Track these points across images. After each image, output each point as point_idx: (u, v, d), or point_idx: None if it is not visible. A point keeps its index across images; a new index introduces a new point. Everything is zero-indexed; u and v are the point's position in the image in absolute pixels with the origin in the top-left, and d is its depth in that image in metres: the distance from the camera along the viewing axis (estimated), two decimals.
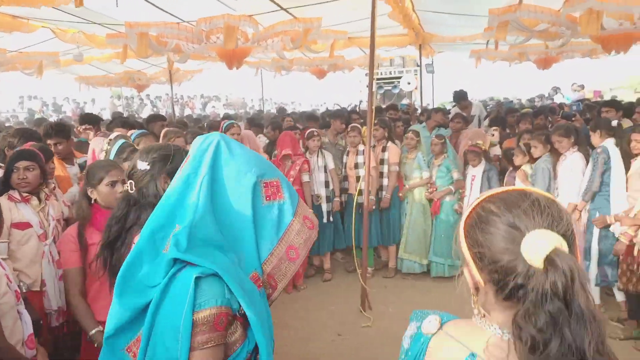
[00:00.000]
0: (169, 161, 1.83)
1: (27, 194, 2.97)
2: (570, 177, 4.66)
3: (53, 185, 3.54)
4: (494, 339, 1.02)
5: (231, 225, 1.36)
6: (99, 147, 3.23)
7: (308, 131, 5.85)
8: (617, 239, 4.09)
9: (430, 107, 11.06)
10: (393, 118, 7.30)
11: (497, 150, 6.20)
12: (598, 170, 4.42)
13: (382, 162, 5.78)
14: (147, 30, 6.60)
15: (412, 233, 5.75)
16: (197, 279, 1.23)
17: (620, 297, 4.37)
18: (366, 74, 11.38)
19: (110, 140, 3.37)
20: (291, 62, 10.99)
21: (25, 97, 20.82)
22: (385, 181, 5.79)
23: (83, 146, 4.76)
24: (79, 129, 5.19)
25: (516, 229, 0.97)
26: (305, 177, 5.56)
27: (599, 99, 13.62)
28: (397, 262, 5.89)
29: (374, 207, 5.64)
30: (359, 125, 5.86)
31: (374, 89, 4.83)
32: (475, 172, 5.49)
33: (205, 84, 20.35)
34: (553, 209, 0.99)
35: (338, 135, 6.56)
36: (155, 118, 6.40)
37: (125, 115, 12.81)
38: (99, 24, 7.14)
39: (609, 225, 4.31)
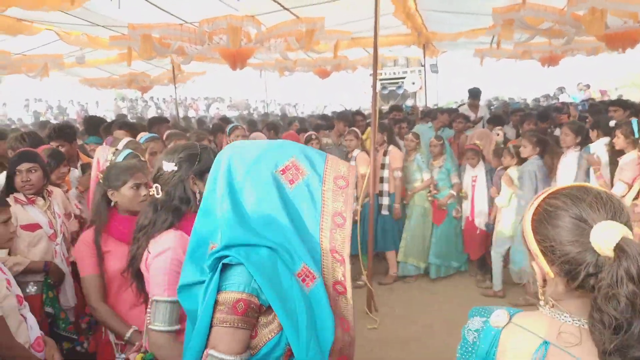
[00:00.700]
0: (196, 161, 1.81)
1: (32, 195, 2.97)
2: (566, 174, 4.67)
3: (65, 188, 3.54)
4: (567, 327, 1.08)
5: (274, 227, 1.36)
6: (104, 157, 3.17)
7: (307, 135, 5.84)
8: None
9: (435, 107, 11.02)
10: (397, 119, 7.28)
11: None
12: (582, 169, 4.46)
13: (382, 166, 5.70)
14: (149, 32, 6.61)
15: (413, 237, 5.69)
16: (225, 265, 1.32)
17: None
18: (370, 74, 11.38)
19: (116, 150, 3.31)
20: (295, 63, 10.97)
21: (31, 100, 20.95)
22: (385, 186, 5.68)
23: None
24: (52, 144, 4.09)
25: (583, 221, 1.05)
26: None
27: (605, 99, 13.54)
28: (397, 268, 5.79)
29: (385, 213, 5.62)
30: (356, 130, 5.84)
31: (378, 89, 4.80)
32: (476, 173, 5.45)
33: (209, 85, 20.38)
34: (614, 201, 1.07)
35: (341, 137, 6.55)
36: (160, 120, 6.40)
37: (129, 117, 12.84)
38: (102, 26, 7.15)
39: None
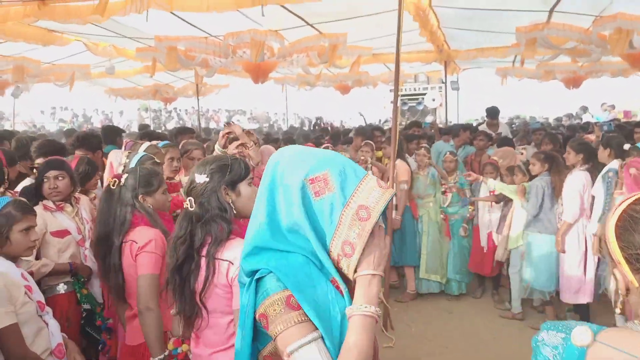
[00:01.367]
0: (227, 171, 1.83)
1: (60, 202, 3.01)
2: (569, 193, 4.58)
3: (94, 195, 3.59)
4: None
5: (301, 235, 1.33)
6: (117, 160, 3.19)
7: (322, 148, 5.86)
8: None
9: (455, 124, 10.96)
10: (416, 135, 7.25)
11: None
12: (608, 189, 4.33)
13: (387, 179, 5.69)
14: (175, 44, 6.74)
15: (432, 253, 5.64)
16: (258, 279, 1.29)
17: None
18: (390, 90, 11.37)
19: (129, 153, 3.35)
20: (317, 78, 11.06)
21: (58, 108, 21.47)
22: (394, 200, 5.68)
23: None
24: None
25: None
26: None
27: (630, 120, 13.31)
28: (416, 285, 5.71)
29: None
30: (371, 142, 5.87)
31: (398, 104, 4.80)
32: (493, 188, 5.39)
33: (231, 98, 20.64)
34: None
35: (359, 152, 6.55)
36: (185, 131, 6.46)
37: (152, 127, 13.07)
38: (129, 37, 7.32)
39: None
